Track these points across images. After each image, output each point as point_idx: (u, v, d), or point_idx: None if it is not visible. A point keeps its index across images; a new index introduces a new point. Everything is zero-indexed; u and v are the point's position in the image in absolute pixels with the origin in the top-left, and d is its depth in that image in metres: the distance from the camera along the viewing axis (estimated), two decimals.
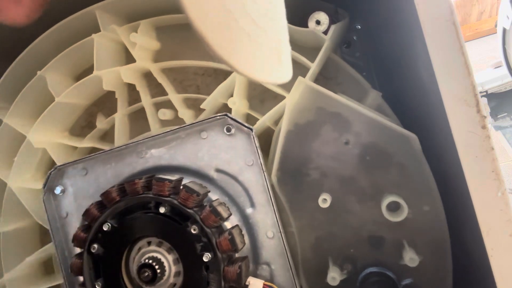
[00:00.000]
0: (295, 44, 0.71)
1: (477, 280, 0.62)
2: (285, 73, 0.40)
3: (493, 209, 0.51)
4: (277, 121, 0.70)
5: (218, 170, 0.67)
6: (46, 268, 0.86)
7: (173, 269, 0.61)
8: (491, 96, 2.89)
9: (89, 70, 0.77)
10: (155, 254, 0.61)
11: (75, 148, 0.81)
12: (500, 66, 2.73)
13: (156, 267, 0.60)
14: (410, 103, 0.75)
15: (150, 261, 0.60)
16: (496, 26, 2.47)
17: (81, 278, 0.65)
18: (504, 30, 2.34)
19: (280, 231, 0.64)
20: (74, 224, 0.72)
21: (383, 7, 0.75)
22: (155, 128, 0.76)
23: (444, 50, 0.51)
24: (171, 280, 0.61)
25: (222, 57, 0.31)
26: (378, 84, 0.91)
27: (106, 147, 0.74)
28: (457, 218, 0.62)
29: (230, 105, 0.70)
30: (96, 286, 0.63)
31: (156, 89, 0.78)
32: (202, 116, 0.74)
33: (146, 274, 0.59)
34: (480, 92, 2.83)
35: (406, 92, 0.76)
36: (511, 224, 0.51)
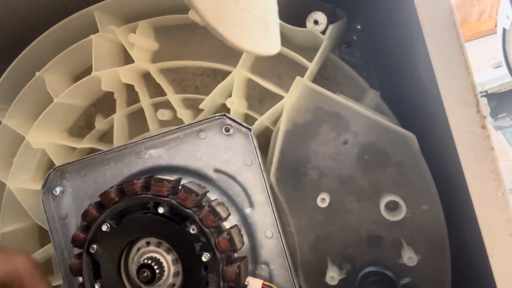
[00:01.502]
0: (293, 44, 0.71)
1: (477, 280, 0.62)
2: (272, 44, 0.39)
3: (493, 209, 0.51)
4: (275, 121, 0.70)
5: (217, 170, 0.67)
6: (46, 269, 0.85)
7: (172, 269, 0.61)
8: (491, 96, 2.89)
9: (87, 70, 0.77)
10: (154, 255, 0.61)
11: (74, 148, 0.81)
12: (500, 66, 2.73)
13: (155, 267, 0.59)
14: (410, 103, 0.75)
15: (149, 262, 0.60)
16: (496, 26, 2.47)
17: (80, 279, 0.65)
18: (504, 30, 2.34)
19: (279, 231, 0.64)
20: (73, 224, 0.72)
21: (383, 7, 0.75)
22: (153, 128, 0.76)
23: (444, 50, 0.51)
24: (170, 280, 0.61)
25: (208, 21, 0.31)
26: (378, 84, 0.91)
27: (105, 147, 0.74)
28: (457, 218, 0.62)
29: (228, 105, 0.70)
30: (95, 287, 0.63)
31: (155, 89, 0.78)
32: (200, 116, 0.74)
33: (145, 274, 0.59)
34: (480, 92, 2.83)
35: (406, 92, 0.76)
36: (511, 224, 0.51)
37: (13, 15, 0.76)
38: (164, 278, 0.60)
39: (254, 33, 0.36)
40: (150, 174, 0.65)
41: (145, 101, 0.76)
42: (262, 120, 0.69)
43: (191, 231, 0.59)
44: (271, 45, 0.39)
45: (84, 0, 0.72)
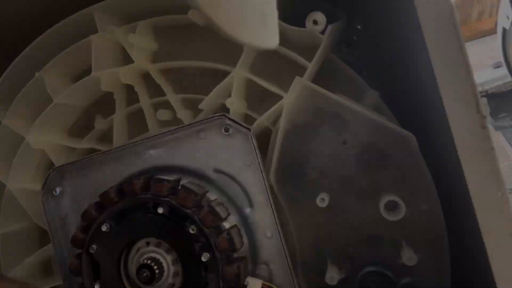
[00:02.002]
0: (292, 44, 0.71)
1: (477, 280, 0.62)
2: (271, 37, 0.38)
3: (493, 209, 0.51)
4: (275, 121, 0.70)
5: (217, 170, 0.67)
6: (45, 269, 0.86)
7: (172, 269, 0.61)
8: (491, 96, 2.89)
9: (87, 71, 0.77)
10: (153, 255, 0.61)
11: (74, 149, 0.81)
12: (500, 66, 2.73)
13: (155, 267, 0.59)
14: (410, 103, 0.75)
15: (149, 262, 0.60)
16: (496, 26, 2.47)
17: (80, 279, 0.65)
18: (504, 30, 2.34)
19: (279, 231, 0.64)
20: (73, 225, 0.72)
21: (383, 7, 0.75)
22: (153, 128, 0.76)
23: (444, 50, 0.51)
24: (170, 280, 0.61)
25: (204, 10, 0.30)
26: (378, 84, 0.91)
27: (104, 148, 0.74)
28: (457, 218, 0.62)
29: (228, 105, 0.70)
30: (95, 287, 0.63)
31: (155, 89, 0.78)
32: (200, 117, 0.74)
33: (145, 274, 0.59)
34: (480, 92, 2.83)
35: (406, 92, 0.76)
36: (511, 224, 0.51)
37: (13, 15, 0.76)
38: (163, 278, 0.60)
39: (251, 25, 0.35)
40: (150, 174, 0.65)
41: (145, 102, 0.76)
42: (262, 120, 0.69)
43: (191, 231, 0.59)
44: (269, 38, 0.38)
45: (84, 0, 0.72)
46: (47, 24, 0.74)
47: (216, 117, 0.66)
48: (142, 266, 0.59)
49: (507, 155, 2.76)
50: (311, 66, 0.66)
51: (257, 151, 0.64)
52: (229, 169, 0.66)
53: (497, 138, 2.82)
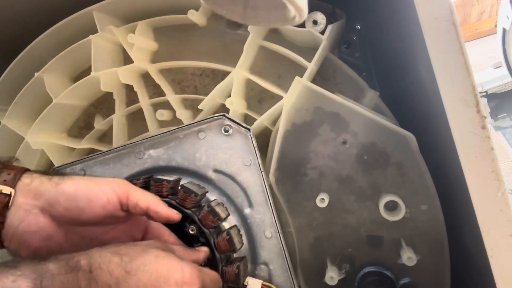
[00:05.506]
0: (292, 44, 0.71)
1: (477, 280, 0.62)
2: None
3: (493, 209, 0.51)
4: (275, 121, 0.70)
5: (216, 171, 0.67)
6: None
7: None
8: (491, 96, 2.89)
9: (87, 71, 0.77)
10: None
11: (73, 149, 0.81)
12: (500, 66, 2.73)
13: None
14: (410, 103, 0.75)
15: None
16: (496, 26, 2.46)
17: None
18: (504, 30, 2.34)
19: (278, 231, 0.64)
20: None
21: (383, 7, 0.75)
22: (153, 128, 0.76)
23: (444, 50, 0.51)
24: None
25: None
26: (378, 84, 0.91)
27: (104, 148, 0.74)
28: (457, 218, 0.62)
29: (227, 106, 0.70)
30: None
31: (154, 89, 0.78)
32: (200, 117, 0.74)
33: None
34: (480, 92, 2.83)
35: (406, 92, 0.76)
36: (511, 224, 0.51)
37: (13, 15, 0.76)
38: None
39: None
40: (150, 175, 0.65)
41: (144, 102, 0.76)
42: (261, 120, 0.69)
43: (190, 232, 0.59)
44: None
45: (84, 0, 0.72)
46: (47, 24, 0.74)
47: (215, 117, 0.66)
48: None
49: (507, 155, 2.76)
50: (311, 66, 0.66)
51: (257, 151, 0.64)
52: (228, 169, 0.66)
53: (497, 138, 2.82)
